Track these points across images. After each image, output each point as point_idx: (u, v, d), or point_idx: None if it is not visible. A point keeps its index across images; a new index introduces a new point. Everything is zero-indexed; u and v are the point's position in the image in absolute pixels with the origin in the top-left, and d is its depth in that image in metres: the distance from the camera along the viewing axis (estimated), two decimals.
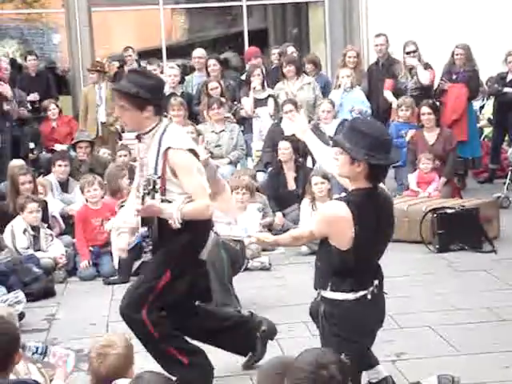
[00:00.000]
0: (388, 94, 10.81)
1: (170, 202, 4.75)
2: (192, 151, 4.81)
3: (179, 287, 4.85)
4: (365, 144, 4.02)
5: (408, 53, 10.74)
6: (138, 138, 4.92)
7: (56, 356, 4.01)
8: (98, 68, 11.44)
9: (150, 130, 4.82)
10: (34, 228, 8.00)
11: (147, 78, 4.93)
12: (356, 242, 4.02)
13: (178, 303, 4.92)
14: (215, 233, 6.30)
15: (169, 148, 4.72)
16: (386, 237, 4.27)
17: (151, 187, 4.79)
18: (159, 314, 4.85)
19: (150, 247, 4.96)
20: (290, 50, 11.53)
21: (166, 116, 5.17)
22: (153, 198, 4.79)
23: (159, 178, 4.76)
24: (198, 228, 4.81)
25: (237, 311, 6.26)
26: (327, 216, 4.13)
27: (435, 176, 9.51)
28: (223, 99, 10.24)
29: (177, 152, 4.72)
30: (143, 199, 4.84)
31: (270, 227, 8.79)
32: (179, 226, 4.68)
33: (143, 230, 5.03)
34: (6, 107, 9.98)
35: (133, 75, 5.03)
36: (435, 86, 10.92)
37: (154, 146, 4.79)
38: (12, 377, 3.69)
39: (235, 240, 6.59)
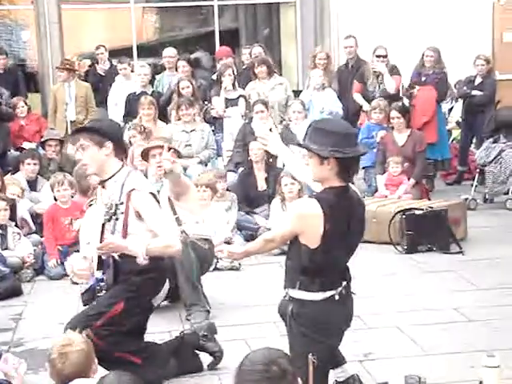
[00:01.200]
0: (357, 97, 10.85)
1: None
2: (153, 195, 4.97)
3: (126, 323, 4.96)
4: (329, 141, 4.05)
5: (378, 56, 10.77)
6: (101, 184, 5.02)
7: (8, 363, 3.98)
8: (67, 66, 11.37)
9: (113, 175, 4.93)
10: (1, 226, 7.93)
11: (108, 120, 5.20)
12: (326, 240, 4.03)
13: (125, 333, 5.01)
14: (183, 232, 6.33)
15: (132, 190, 4.86)
16: (356, 238, 4.28)
17: (113, 211, 4.87)
18: (104, 333, 4.91)
19: (104, 291, 5.02)
20: (257, 50, 11.50)
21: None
22: (113, 225, 4.88)
23: (121, 203, 4.85)
24: (155, 272, 4.94)
25: (205, 310, 6.30)
26: (298, 212, 4.14)
27: (404, 179, 9.57)
28: (191, 98, 10.20)
29: (140, 193, 4.88)
30: (103, 227, 4.91)
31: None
32: (146, 261, 4.78)
33: (98, 273, 5.07)
34: None
35: (91, 121, 5.41)
36: (401, 92, 10.97)
37: (117, 191, 4.90)
38: None
39: (204, 239, 6.60)
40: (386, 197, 9.37)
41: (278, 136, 4.81)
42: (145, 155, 6.81)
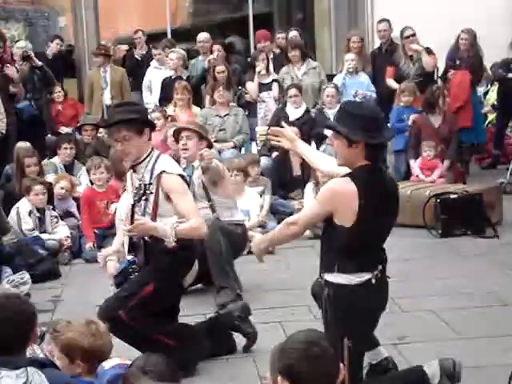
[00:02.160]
0: (390, 82, 10.78)
1: None
2: (182, 177, 5.05)
3: (157, 304, 5.02)
4: (360, 125, 4.06)
5: (407, 37, 10.71)
6: (133, 168, 5.09)
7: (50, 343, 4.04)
8: (103, 52, 11.45)
9: (144, 159, 5.01)
10: (39, 210, 8.04)
11: (131, 105, 5.31)
12: (361, 217, 4.04)
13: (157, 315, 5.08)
14: (216, 218, 6.39)
15: (163, 172, 4.94)
16: (390, 218, 4.29)
17: (142, 192, 4.92)
18: (136, 314, 4.97)
19: (136, 273, 5.10)
20: (293, 33, 11.50)
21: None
22: (143, 206, 4.96)
23: (150, 184, 4.92)
24: (184, 254, 5.01)
25: (235, 293, 6.35)
26: (331, 190, 4.16)
27: (438, 163, 9.53)
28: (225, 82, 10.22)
29: (171, 176, 4.96)
30: (134, 206, 4.97)
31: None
32: (174, 243, 4.86)
33: (130, 256, 5.15)
34: (12, 89, 10.01)
35: (120, 107, 5.32)
36: (440, 71, 10.92)
37: (147, 175, 4.98)
38: None
39: (236, 224, 6.64)
40: (420, 181, 9.34)
41: (293, 132, 4.85)
42: (176, 136, 6.87)
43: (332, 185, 4.20)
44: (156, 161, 5.00)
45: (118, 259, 5.31)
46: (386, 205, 4.16)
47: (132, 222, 4.94)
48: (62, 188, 8.55)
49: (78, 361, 3.69)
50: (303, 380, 2.68)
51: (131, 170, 5.14)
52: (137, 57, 12.43)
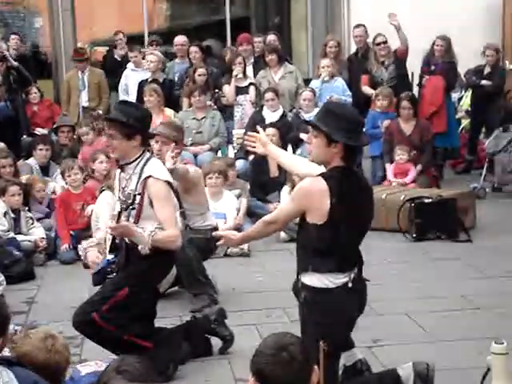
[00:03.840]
0: (366, 89, 10.82)
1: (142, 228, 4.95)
2: (169, 184, 5.05)
3: (132, 307, 5.02)
4: (342, 126, 4.11)
5: (378, 44, 10.76)
6: (121, 167, 5.10)
7: None
8: (84, 57, 11.48)
9: (134, 161, 5.01)
10: (14, 211, 8.01)
11: (138, 109, 5.21)
12: (333, 215, 4.07)
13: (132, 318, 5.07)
14: (187, 225, 6.37)
15: (149, 177, 4.94)
16: (365, 220, 4.32)
17: (130, 201, 4.97)
18: (110, 317, 4.99)
19: (114, 274, 5.11)
20: (271, 37, 11.53)
21: (149, 150, 5.35)
22: (129, 213, 4.97)
23: (139, 194, 4.94)
24: (161, 259, 5.03)
25: (211, 298, 6.37)
26: (303, 188, 4.20)
27: (411, 167, 9.62)
28: (204, 86, 10.25)
29: (156, 182, 4.95)
30: (119, 216, 5.02)
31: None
32: (148, 251, 4.89)
33: (110, 256, 5.16)
34: None
35: (124, 106, 5.29)
36: (415, 77, 11.00)
37: (135, 176, 4.99)
38: None
39: (207, 229, 6.59)
40: (391, 184, 9.42)
41: (266, 137, 4.87)
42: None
43: (304, 183, 4.24)
44: (145, 164, 5.01)
45: (99, 251, 5.32)
46: (358, 206, 4.19)
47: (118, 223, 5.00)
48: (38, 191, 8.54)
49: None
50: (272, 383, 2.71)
51: (119, 169, 5.14)
52: (117, 57, 12.43)
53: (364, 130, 9.88)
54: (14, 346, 3.75)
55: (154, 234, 4.90)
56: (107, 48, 12.78)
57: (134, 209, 4.97)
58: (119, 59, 12.36)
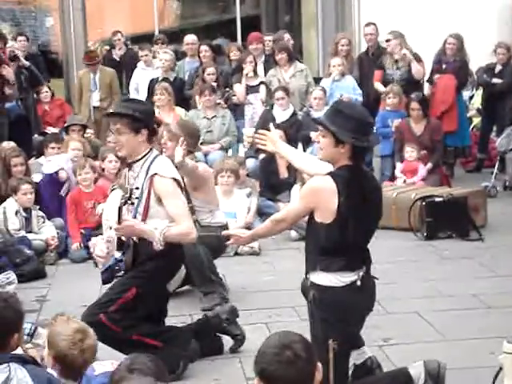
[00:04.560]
0: (378, 86, 10.82)
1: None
2: (176, 180, 5.04)
3: (140, 308, 5.03)
4: (350, 126, 4.11)
5: (387, 40, 10.76)
6: (129, 165, 5.11)
7: (43, 337, 4.07)
8: (97, 59, 11.52)
9: (141, 159, 5.02)
10: (26, 210, 8.04)
11: (140, 103, 5.26)
12: (340, 214, 4.08)
13: (141, 318, 5.09)
14: (196, 221, 6.37)
15: (155, 174, 4.94)
16: (373, 219, 4.32)
17: (127, 196, 4.99)
18: (118, 317, 4.99)
19: (122, 271, 5.11)
20: (286, 36, 11.53)
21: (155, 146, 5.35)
22: (135, 211, 4.97)
23: (137, 188, 4.95)
24: (171, 258, 5.02)
25: (222, 297, 6.37)
26: (311, 187, 4.21)
27: (419, 165, 9.60)
28: (215, 85, 10.26)
29: (163, 179, 4.95)
30: (120, 210, 5.03)
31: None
32: (161, 247, 4.88)
33: (118, 254, 5.16)
34: (7, 91, 9.96)
35: (127, 102, 5.33)
36: (426, 76, 10.98)
37: (142, 174, 4.99)
38: None
39: (216, 226, 6.60)
40: (404, 181, 9.40)
41: (277, 135, 4.88)
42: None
43: (312, 182, 4.25)
44: (152, 162, 5.00)
45: (108, 248, 5.30)
46: (366, 205, 4.18)
47: (120, 223, 4.98)
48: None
49: (51, 357, 3.75)
50: (276, 383, 2.70)
51: (127, 168, 5.16)
52: (115, 57, 12.47)
53: (374, 129, 9.95)
54: (51, 323, 3.85)
55: (166, 230, 4.89)
56: (108, 48, 12.81)
57: (132, 203, 4.97)
58: (118, 59, 12.40)
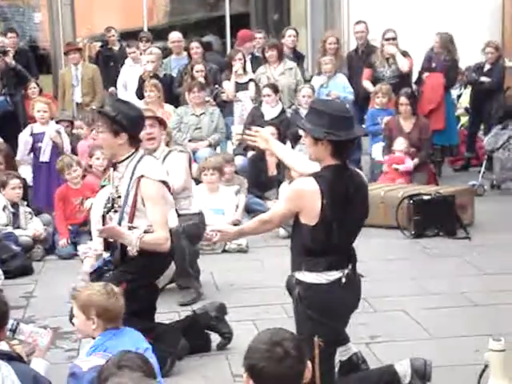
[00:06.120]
0: (367, 84, 10.83)
1: (136, 228, 4.96)
2: (163, 182, 5.04)
3: (129, 304, 4.97)
4: (324, 122, 4.11)
5: (387, 39, 10.78)
6: (113, 166, 5.11)
7: (26, 334, 4.07)
8: (75, 48, 11.51)
9: (125, 160, 5.00)
10: (13, 205, 8.01)
11: (130, 108, 5.13)
12: (324, 216, 4.07)
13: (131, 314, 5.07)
14: (176, 210, 6.35)
15: (142, 176, 4.93)
16: (358, 218, 4.31)
17: (110, 205, 5.01)
18: None
19: (111, 272, 5.12)
20: (291, 32, 11.49)
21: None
22: (120, 219, 4.98)
23: (119, 197, 4.97)
24: (160, 255, 5.04)
25: (197, 293, 6.42)
26: (295, 190, 4.21)
27: (406, 158, 9.60)
28: (203, 81, 10.24)
29: (149, 181, 4.94)
30: (104, 218, 5.05)
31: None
32: (136, 253, 4.92)
33: (106, 254, 5.17)
34: None
35: (118, 103, 5.31)
36: (414, 74, 11.00)
37: (127, 175, 4.99)
38: None
39: (193, 214, 6.60)
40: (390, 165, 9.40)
41: (268, 132, 4.89)
42: None
43: (296, 185, 4.25)
44: (138, 162, 4.99)
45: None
46: (350, 205, 4.17)
47: (103, 225, 5.04)
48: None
49: (92, 316, 4.01)
50: (265, 380, 2.69)
51: (112, 168, 5.15)
52: (109, 54, 12.44)
53: (363, 126, 9.96)
54: (77, 293, 4.13)
55: (142, 236, 4.91)
56: (100, 44, 12.79)
57: (116, 211, 4.99)
58: (111, 55, 12.37)
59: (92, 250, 5.43)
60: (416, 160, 9.67)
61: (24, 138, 9.18)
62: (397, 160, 9.61)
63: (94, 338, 4.08)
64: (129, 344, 3.89)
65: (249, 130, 4.92)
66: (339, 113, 4.20)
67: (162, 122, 6.47)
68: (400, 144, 9.62)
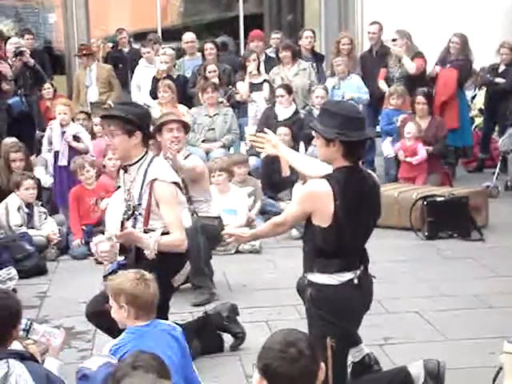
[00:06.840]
0: (382, 84, 10.81)
1: (152, 230, 4.97)
2: (176, 184, 5.05)
3: None
4: (335, 123, 4.10)
5: (392, 40, 10.76)
6: (124, 169, 5.10)
7: (39, 334, 4.08)
8: (85, 52, 11.55)
9: (136, 162, 5.01)
10: (28, 206, 8.05)
11: (136, 107, 5.23)
12: (337, 218, 4.07)
13: None
14: (194, 212, 6.39)
15: (155, 179, 4.94)
16: (370, 219, 4.31)
17: (130, 213, 4.99)
18: None
19: None
20: (308, 33, 11.48)
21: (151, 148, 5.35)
22: (133, 223, 4.99)
23: (139, 204, 4.97)
24: (175, 255, 5.03)
25: (210, 293, 6.42)
26: (307, 192, 4.20)
27: (419, 144, 9.53)
28: (217, 81, 10.25)
29: (162, 184, 4.96)
30: (122, 225, 5.04)
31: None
32: (154, 256, 4.91)
33: (120, 258, 5.18)
34: (5, 87, 9.98)
35: (122, 105, 5.33)
36: (427, 73, 10.97)
37: (139, 178, 4.99)
38: None
39: (212, 217, 6.63)
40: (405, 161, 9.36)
41: (276, 137, 4.89)
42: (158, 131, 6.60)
43: (308, 187, 4.24)
44: (149, 165, 5.00)
45: (112, 247, 5.30)
46: (363, 206, 4.17)
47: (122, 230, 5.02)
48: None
49: (122, 304, 4.04)
50: (279, 380, 2.70)
51: (123, 171, 5.16)
52: (118, 55, 12.49)
53: (378, 127, 9.95)
54: (109, 282, 4.18)
55: (159, 240, 4.91)
56: (111, 45, 12.84)
57: (135, 218, 5.00)
58: (121, 56, 12.42)
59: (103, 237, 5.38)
60: (430, 148, 9.59)
61: (47, 134, 9.26)
62: (409, 150, 9.54)
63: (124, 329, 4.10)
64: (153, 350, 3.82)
65: (261, 133, 4.90)
66: (351, 114, 4.19)
67: (185, 126, 6.65)
68: (410, 129, 9.55)
